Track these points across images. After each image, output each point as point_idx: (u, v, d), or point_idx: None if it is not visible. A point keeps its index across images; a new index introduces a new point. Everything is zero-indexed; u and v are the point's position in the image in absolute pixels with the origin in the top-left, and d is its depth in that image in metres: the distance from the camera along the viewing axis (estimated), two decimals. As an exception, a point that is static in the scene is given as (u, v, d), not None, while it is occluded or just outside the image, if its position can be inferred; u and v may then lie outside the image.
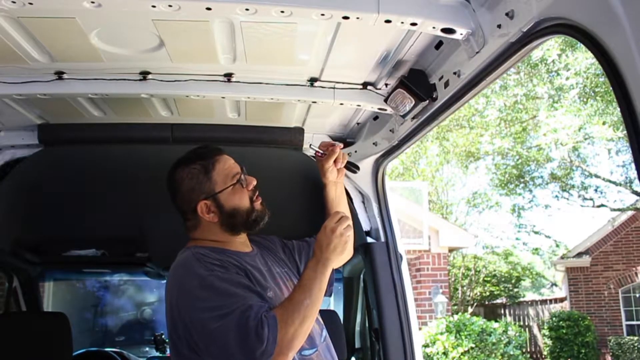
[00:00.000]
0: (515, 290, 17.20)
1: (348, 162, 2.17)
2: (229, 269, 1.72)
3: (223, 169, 1.86)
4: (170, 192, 1.90)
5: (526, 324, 15.39)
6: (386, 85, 2.07)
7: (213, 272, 1.69)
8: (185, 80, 2.01)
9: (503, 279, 17.11)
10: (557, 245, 17.46)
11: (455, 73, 1.75)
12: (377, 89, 2.11)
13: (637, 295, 14.32)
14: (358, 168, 2.29)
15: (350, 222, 1.78)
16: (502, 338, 10.19)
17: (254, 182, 1.91)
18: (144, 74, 1.98)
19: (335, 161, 2.12)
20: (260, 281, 1.79)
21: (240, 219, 1.86)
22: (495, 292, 16.84)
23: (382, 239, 2.56)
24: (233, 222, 1.86)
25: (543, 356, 14.10)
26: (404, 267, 2.54)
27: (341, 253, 1.74)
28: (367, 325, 2.78)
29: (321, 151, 2.12)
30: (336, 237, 1.73)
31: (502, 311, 16.29)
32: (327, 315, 2.23)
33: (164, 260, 2.69)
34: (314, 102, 2.15)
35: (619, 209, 14.56)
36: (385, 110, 2.15)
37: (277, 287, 1.85)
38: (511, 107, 12.46)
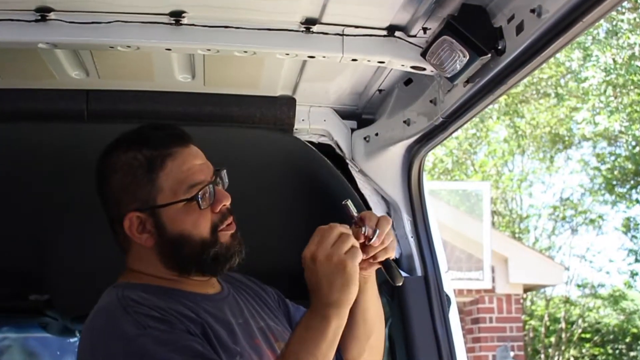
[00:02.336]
0: (632, 354, 17.26)
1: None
2: (173, 325, 1.72)
3: (177, 171, 1.83)
4: (96, 185, 1.90)
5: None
6: (425, 30, 2.09)
7: (146, 330, 1.69)
8: (108, 22, 2.01)
9: (612, 337, 17.16)
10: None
11: (533, 11, 1.76)
12: (410, 36, 2.12)
13: None
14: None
15: (341, 229, 1.70)
16: None
17: (226, 202, 1.87)
18: (43, 12, 1.98)
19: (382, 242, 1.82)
20: (226, 343, 1.79)
21: (189, 252, 1.84)
22: (600, 357, 16.89)
23: (419, 272, 2.58)
24: (177, 256, 1.84)
25: None
26: (454, 315, 2.57)
27: (354, 285, 1.67)
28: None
29: (357, 215, 1.85)
30: (335, 266, 1.65)
31: (610, 387, 16.36)
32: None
33: (72, 307, 2.71)
34: (311, 56, 2.17)
35: None
36: (424, 69, 2.17)
37: (254, 351, 1.85)
38: (624, 66, 12.47)
